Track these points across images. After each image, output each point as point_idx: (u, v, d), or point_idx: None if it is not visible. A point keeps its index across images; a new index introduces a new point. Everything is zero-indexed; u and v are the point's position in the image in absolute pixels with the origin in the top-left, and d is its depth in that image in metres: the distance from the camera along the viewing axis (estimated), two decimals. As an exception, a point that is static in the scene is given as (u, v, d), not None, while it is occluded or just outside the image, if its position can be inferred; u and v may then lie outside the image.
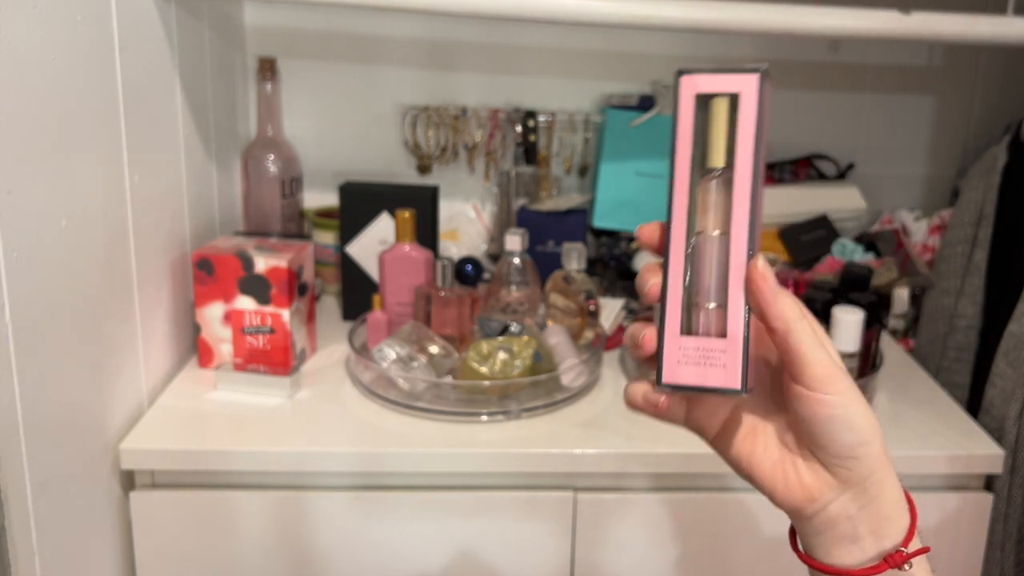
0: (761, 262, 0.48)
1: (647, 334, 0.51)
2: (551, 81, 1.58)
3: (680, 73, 0.49)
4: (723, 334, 0.49)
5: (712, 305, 0.50)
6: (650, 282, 0.50)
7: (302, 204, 1.55)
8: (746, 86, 0.48)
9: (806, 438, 0.51)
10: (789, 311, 0.48)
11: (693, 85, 0.49)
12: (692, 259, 0.50)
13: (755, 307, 0.49)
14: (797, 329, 0.48)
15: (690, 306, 0.50)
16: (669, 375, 0.50)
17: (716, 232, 0.50)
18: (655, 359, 0.51)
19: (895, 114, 1.63)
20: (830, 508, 0.51)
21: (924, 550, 0.52)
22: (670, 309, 0.50)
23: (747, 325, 0.49)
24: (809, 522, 0.52)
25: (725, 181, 0.49)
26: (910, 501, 0.53)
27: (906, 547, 0.51)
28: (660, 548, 1.10)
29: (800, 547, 0.54)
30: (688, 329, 0.50)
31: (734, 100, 0.49)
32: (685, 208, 0.49)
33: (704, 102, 0.49)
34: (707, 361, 0.50)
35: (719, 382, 0.49)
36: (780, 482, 0.51)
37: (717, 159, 0.49)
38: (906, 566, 0.51)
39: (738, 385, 0.49)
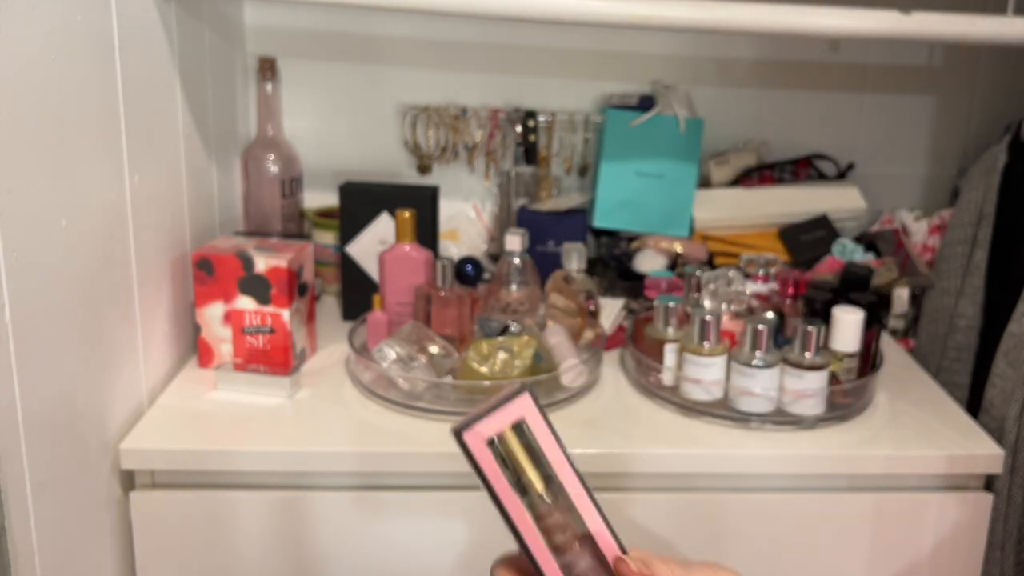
0: (631, 566, 0.51)
1: None
2: (551, 81, 1.58)
3: (458, 433, 0.51)
4: None
5: None
6: None
7: (302, 204, 1.55)
8: (524, 409, 0.51)
9: None
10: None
11: (478, 436, 0.51)
12: None
13: None
14: None
15: None
16: None
17: (577, 544, 0.52)
18: None
19: (895, 114, 1.63)
20: None
21: None
22: None
23: None
24: None
25: (555, 494, 0.52)
26: None
27: None
28: (660, 548, 1.09)
29: None
30: None
31: (520, 426, 0.51)
32: (541, 541, 0.51)
33: (494, 441, 0.51)
34: None
35: None
36: None
37: (537, 483, 0.52)
38: None
39: None
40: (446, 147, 1.58)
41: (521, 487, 0.51)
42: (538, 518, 0.51)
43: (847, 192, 1.57)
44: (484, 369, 1.13)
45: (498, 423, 0.51)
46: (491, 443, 0.51)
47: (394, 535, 1.07)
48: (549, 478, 0.51)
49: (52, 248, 0.87)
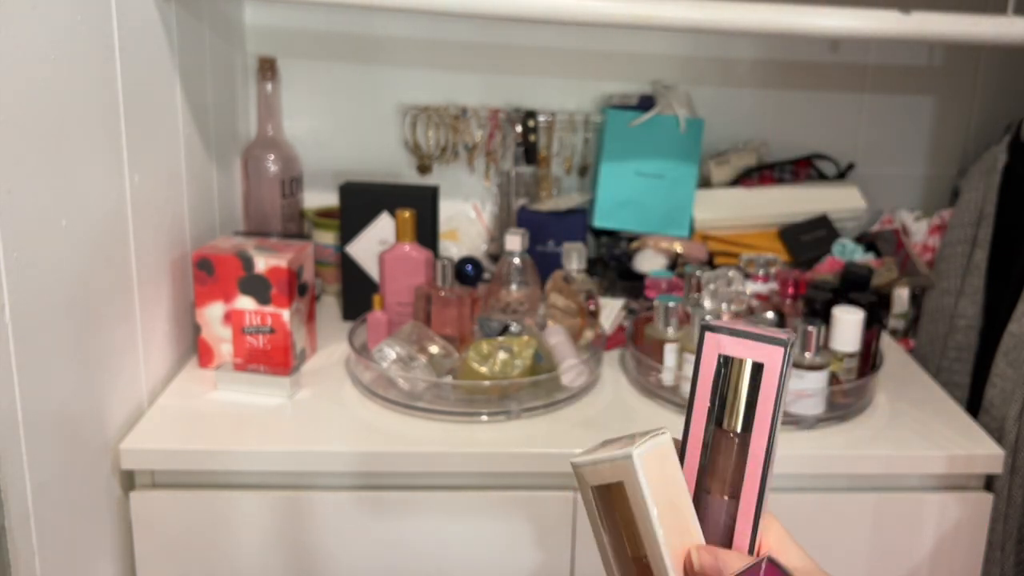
0: (697, 556, 0.48)
1: None
2: (551, 81, 1.58)
3: (704, 328, 0.49)
4: None
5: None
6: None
7: (302, 204, 1.55)
8: (771, 357, 0.48)
9: None
10: None
11: (716, 345, 0.49)
12: (700, 517, 0.50)
13: None
14: None
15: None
16: None
17: (725, 497, 0.49)
18: None
19: (895, 114, 1.63)
20: None
21: None
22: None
23: None
24: None
25: (739, 445, 0.49)
26: None
27: None
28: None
29: None
30: None
31: (757, 368, 0.48)
32: (696, 464, 0.49)
33: (726, 360, 0.49)
34: None
35: None
36: None
37: (734, 422, 0.49)
38: None
39: None
40: (446, 147, 1.58)
41: (719, 415, 0.49)
42: (712, 448, 0.50)
43: (847, 192, 1.57)
44: (484, 369, 1.13)
45: (742, 349, 0.49)
46: (722, 360, 0.49)
47: (394, 535, 1.07)
48: (747, 428, 0.49)
49: (52, 248, 0.87)
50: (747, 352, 0.49)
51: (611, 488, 0.50)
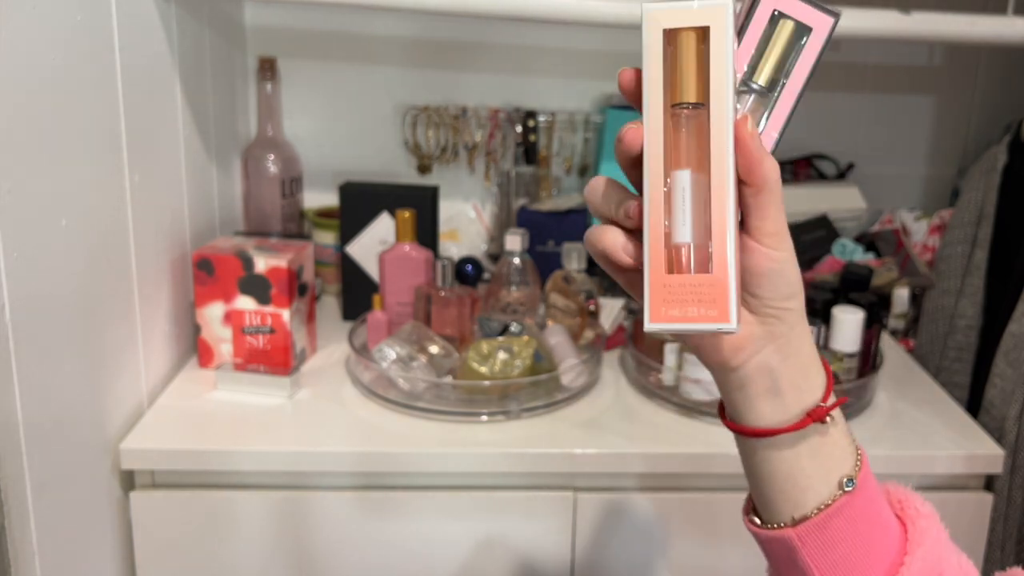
0: (750, 124, 0.49)
1: (632, 206, 0.49)
2: (551, 81, 1.58)
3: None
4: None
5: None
6: (631, 203, 0.49)
7: (302, 204, 1.55)
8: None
9: (744, 288, 0.51)
10: (771, 173, 0.50)
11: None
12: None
13: (742, 165, 0.49)
14: (773, 189, 0.50)
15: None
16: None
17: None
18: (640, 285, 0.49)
19: (895, 114, 1.63)
20: (754, 360, 0.52)
21: (842, 400, 0.55)
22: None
23: (733, 260, 0.48)
24: (734, 374, 0.53)
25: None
26: (825, 363, 0.56)
27: (825, 402, 0.54)
28: (659, 548, 1.10)
29: (728, 416, 0.56)
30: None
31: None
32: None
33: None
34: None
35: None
36: (708, 334, 0.52)
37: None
38: (828, 419, 0.53)
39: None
40: (446, 147, 1.58)
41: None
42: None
43: (847, 192, 1.57)
44: (484, 369, 1.13)
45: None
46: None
47: (394, 535, 1.07)
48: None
49: (52, 248, 0.87)
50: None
51: (682, 34, 0.48)
